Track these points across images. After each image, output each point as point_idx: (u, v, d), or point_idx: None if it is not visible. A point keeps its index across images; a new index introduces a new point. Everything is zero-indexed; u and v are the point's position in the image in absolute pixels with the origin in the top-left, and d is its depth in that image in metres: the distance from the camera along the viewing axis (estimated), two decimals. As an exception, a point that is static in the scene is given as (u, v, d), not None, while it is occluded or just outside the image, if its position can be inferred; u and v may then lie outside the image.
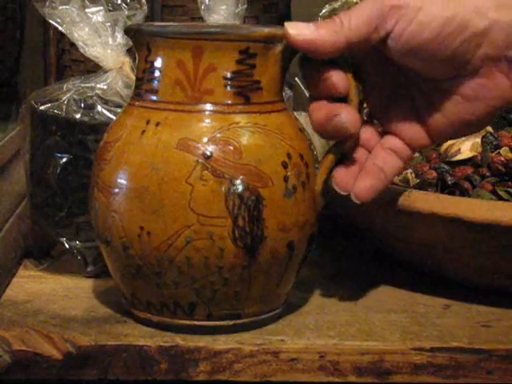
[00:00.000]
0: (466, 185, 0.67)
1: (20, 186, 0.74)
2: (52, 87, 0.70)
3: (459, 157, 0.72)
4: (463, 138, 0.74)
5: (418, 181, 0.70)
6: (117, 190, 0.55)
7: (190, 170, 0.53)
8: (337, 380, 0.55)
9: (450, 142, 0.74)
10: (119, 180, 0.55)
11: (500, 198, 0.65)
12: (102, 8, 0.67)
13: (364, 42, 0.54)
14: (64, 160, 0.65)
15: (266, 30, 0.55)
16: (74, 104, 0.66)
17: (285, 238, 0.55)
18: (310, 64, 0.55)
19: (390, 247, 0.69)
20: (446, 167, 0.70)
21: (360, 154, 0.58)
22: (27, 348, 0.54)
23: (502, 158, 0.68)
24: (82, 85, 0.67)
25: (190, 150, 0.53)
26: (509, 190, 0.65)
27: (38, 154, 0.67)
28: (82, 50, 0.68)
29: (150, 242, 0.54)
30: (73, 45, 0.70)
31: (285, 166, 0.54)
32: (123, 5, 0.68)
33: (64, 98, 0.66)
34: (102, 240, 0.57)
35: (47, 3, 0.67)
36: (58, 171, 0.65)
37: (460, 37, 0.54)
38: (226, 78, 0.54)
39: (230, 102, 0.54)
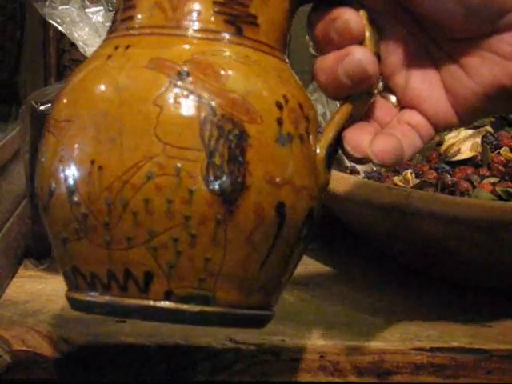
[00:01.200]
0: (466, 185, 0.67)
1: (20, 186, 0.73)
2: (52, 87, 0.70)
3: (459, 157, 0.72)
4: (463, 138, 0.74)
5: (418, 181, 0.70)
6: (70, 123, 0.45)
7: (159, 90, 0.43)
8: (337, 380, 0.55)
9: (449, 142, 0.74)
10: (74, 110, 0.45)
11: (500, 198, 0.65)
12: (101, 8, 0.68)
13: None
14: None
15: None
16: (74, 104, 0.66)
17: (273, 195, 0.44)
18: (320, 10, 0.47)
19: (390, 247, 0.69)
20: (446, 167, 0.70)
21: (373, 123, 0.48)
22: (27, 348, 0.54)
23: (502, 158, 0.68)
24: (82, 85, 0.67)
25: (163, 69, 0.44)
26: (509, 189, 0.65)
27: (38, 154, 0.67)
28: (82, 50, 0.68)
29: (102, 179, 0.43)
30: (73, 45, 0.70)
31: (279, 106, 0.45)
32: (123, 5, 0.68)
33: (64, 98, 0.66)
34: (45, 196, 0.46)
35: (47, 3, 0.67)
36: (58, 171, 0.65)
37: None
38: (215, 2, 0.46)
39: (218, 29, 0.46)
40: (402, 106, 0.49)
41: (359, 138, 0.47)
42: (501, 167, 0.68)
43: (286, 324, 0.58)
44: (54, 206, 0.46)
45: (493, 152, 0.70)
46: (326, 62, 0.46)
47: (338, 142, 0.47)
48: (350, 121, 0.48)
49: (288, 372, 0.55)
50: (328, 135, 0.47)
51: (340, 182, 0.66)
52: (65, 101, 0.46)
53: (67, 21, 0.67)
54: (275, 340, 0.56)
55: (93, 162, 0.43)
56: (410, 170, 0.72)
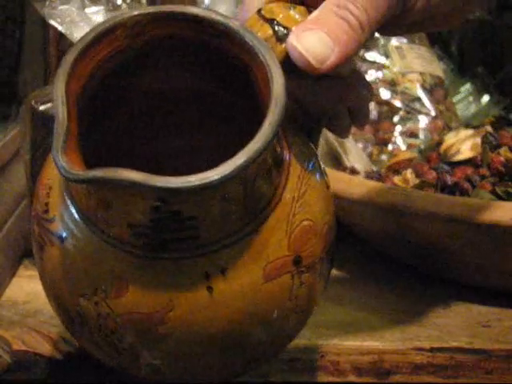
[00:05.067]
0: (466, 185, 0.67)
1: (20, 186, 0.73)
2: (52, 87, 0.70)
3: (459, 157, 0.72)
4: (463, 138, 0.74)
5: (417, 181, 0.70)
6: None
7: None
8: (337, 380, 0.55)
9: (449, 142, 0.74)
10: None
11: (500, 198, 0.65)
12: (102, 8, 0.68)
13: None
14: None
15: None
16: (74, 104, 0.65)
17: None
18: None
19: (390, 247, 0.69)
20: (446, 167, 0.70)
21: None
22: (27, 348, 0.54)
23: (502, 158, 0.68)
24: (82, 85, 0.67)
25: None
26: (509, 189, 0.65)
27: (38, 154, 0.67)
28: (81, 50, 0.68)
29: None
30: (73, 45, 0.70)
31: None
32: (123, 5, 0.68)
33: (64, 98, 0.66)
34: None
35: (47, 3, 0.67)
36: (58, 171, 0.65)
37: None
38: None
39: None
40: None
41: None
42: (501, 167, 0.68)
43: (286, 324, 0.58)
44: None
45: (493, 152, 0.70)
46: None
47: None
48: None
49: (288, 372, 0.55)
50: None
51: (340, 182, 0.66)
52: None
53: (67, 21, 0.67)
54: (275, 340, 0.56)
55: None
56: (409, 170, 0.72)
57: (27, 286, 0.65)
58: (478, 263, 0.63)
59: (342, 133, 0.51)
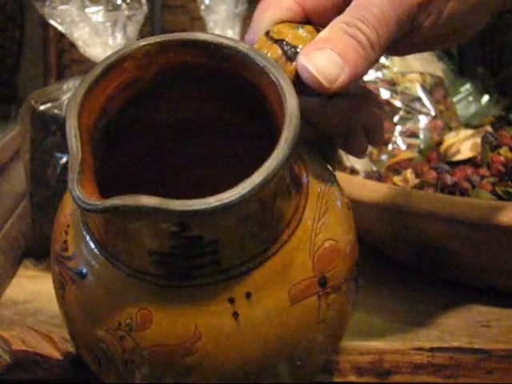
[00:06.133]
0: (466, 185, 0.67)
1: (20, 186, 0.74)
2: (52, 87, 0.70)
3: (459, 157, 0.72)
4: (463, 138, 0.74)
5: (417, 181, 0.70)
6: None
7: None
8: (337, 380, 0.55)
9: (449, 142, 0.74)
10: None
11: (500, 198, 0.65)
12: (101, 8, 0.67)
13: None
14: (64, 160, 0.65)
15: None
16: (74, 104, 0.65)
17: None
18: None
19: (390, 247, 0.69)
20: (446, 167, 0.70)
21: None
22: (27, 348, 0.54)
23: (502, 158, 0.68)
24: (82, 85, 0.67)
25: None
26: (509, 189, 0.65)
27: (38, 153, 0.67)
28: (81, 50, 0.68)
29: None
30: (73, 45, 0.70)
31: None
32: (123, 5, 0.68)
33: (64, 98, 0.66)
34: None
35: (47, 3, 0.67)
36: (58, 171, 0.65)
37: None
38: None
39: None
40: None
41: None
42: (501, 167, 0.68)
43: (286, 324, 0.58)
44: None
45: (493, 152, 0.70)
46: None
47: None
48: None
49: (288, 372, 0.55)
50: None
51: (340, 182, 0.66)
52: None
53: (67, 21, 0.67)
54: (275, 340, 0.56)
55: None
56: (409, 170, 0.72)
57: (27, 286, 0.65)
58: (478, 263, 0.63)
59: (358, 153, 0.50)
